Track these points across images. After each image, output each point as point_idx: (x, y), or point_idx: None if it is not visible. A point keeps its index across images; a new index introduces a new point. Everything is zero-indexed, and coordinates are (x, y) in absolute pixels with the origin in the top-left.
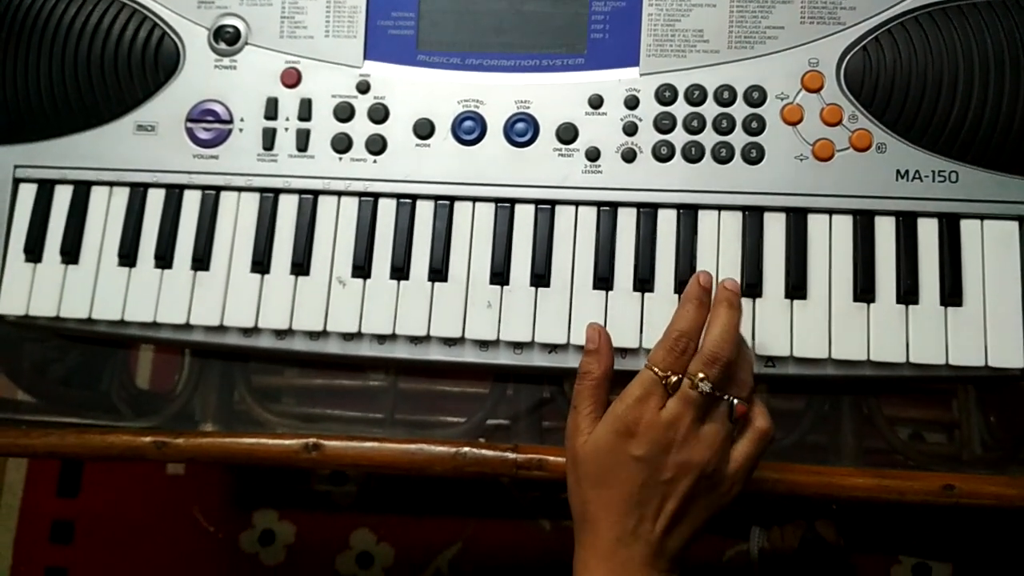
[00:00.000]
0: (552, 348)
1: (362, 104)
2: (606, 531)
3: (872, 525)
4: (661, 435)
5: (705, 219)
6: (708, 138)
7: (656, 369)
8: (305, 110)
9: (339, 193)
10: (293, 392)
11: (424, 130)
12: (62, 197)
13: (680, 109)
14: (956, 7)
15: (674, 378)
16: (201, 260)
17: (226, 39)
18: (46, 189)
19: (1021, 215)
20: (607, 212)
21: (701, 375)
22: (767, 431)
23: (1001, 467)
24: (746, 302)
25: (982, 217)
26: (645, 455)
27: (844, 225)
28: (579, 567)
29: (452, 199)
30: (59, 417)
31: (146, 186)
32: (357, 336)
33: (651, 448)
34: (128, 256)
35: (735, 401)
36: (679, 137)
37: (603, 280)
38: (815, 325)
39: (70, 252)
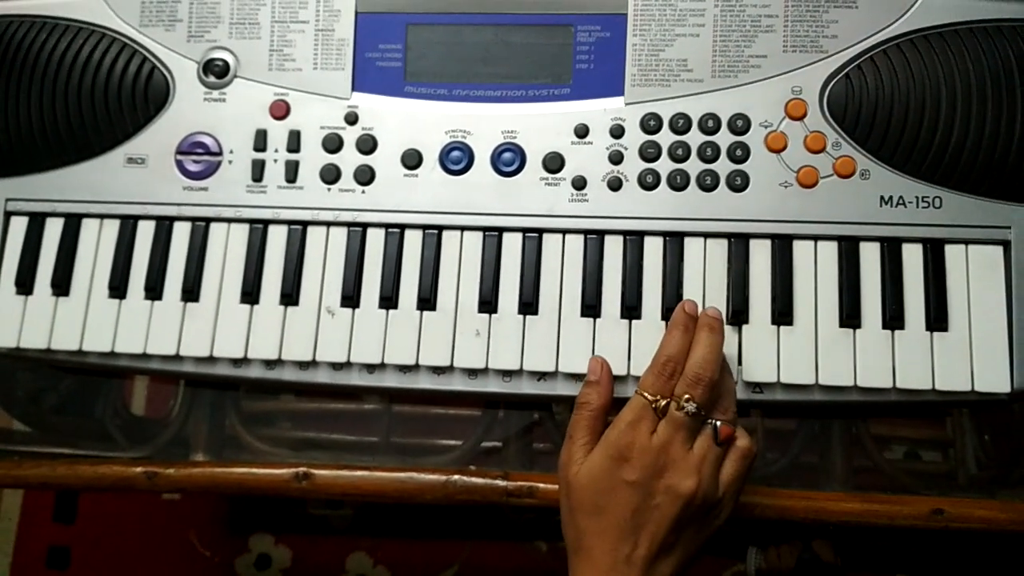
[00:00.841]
0: (541, 376)
1: (350, 135)
2: (600, 558)
3: (869, 544)
4: (653, 459)
5: (691, 246)
6: (693, 166)
7: (646, 394)
8: (294, 142)
9: (328, 223)
10: (287, 416)
11: (412, 160)
12: (53, 230)
13: (665, 138)
14: (938, 34)
15: (663, 402)
16: (191, 291)
17: (215, 72)
18: (37, 222)
19: (1005, 240)
20: (594, 240)
21: (686, 396)
22: (750, 450)
23: (995, 487)
24: (732, 328)
25: (967, 242)
26: (638, 479)
27: (829, 251)
28: None
29: (440, 228)
30: (53, 447)
31: (136, 218)
32: (346, 365)
33: (643, 472)
34: (118, 288)
35: (718, 423)
36: (664, 165)
37: (591, 307)
38: (802, 351)
39: (61, 284)
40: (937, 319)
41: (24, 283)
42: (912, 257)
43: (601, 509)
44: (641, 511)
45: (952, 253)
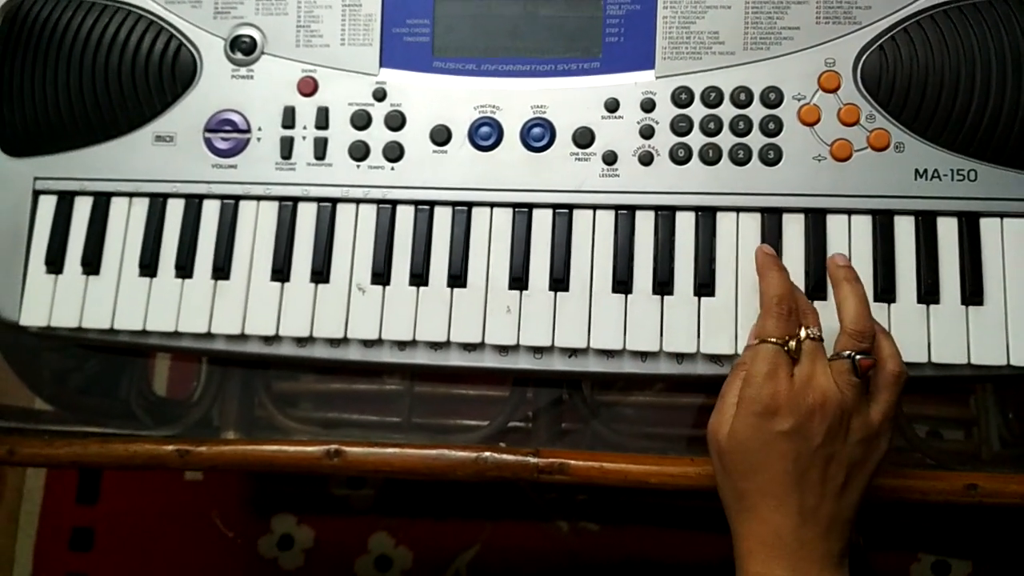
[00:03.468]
0: (572, 352)
1: (379, 112)
2: (769, 516)
3: (891, 523)
4: (802, 400)
5: (723, 221)
6: (725, 140)
7: (773, 339)
8: (322, 118)
9: (357, 201)
10: (310, 397)
11: (441, 136)
12: (82, 209)
13: (696, 111)
14: (972, 4)
15: (792, 342)
16: (221, 269)
17: (242, 49)
18: (66, 201)
19: None
20: (625, 216)
21: (805, 326)
22: (899, 373)
23: (1021, 464)
24: None
25: (1002, 215)
26: (792, 427)
27: (863, 225)
28: (745, 558)
29: (470, 205)
30: (80, 426)
31: (165, 196)
32: (377, 343)
33: (797, 418)
34: (149, 266)
35: (857, 357)
36: (696, 139)
37: (622, 284)
38: (836, 326)
39: (91, 263)
40: (972, 293)
41: (54, 262)
42: (947, 231)
43: (759, 467)
44: (804, 457)
45: (987, 226)
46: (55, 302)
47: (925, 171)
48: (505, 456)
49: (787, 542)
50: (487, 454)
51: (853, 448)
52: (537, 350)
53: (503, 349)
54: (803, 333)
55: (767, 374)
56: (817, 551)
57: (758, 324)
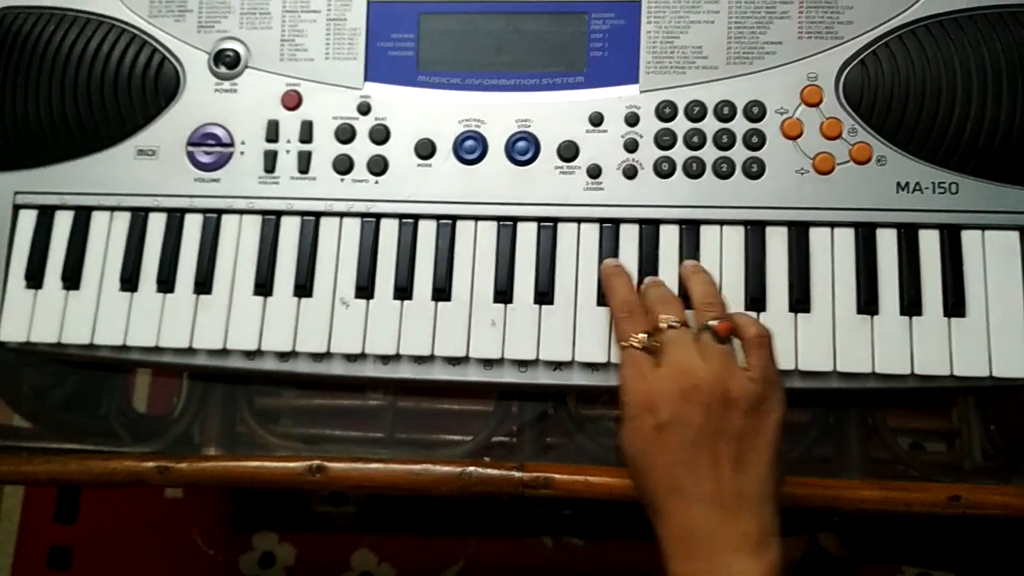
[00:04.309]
0: (557, 366)
1: (363, 125)
2: (675, 512)
3: (875, 536)
4: (671, 387)
5: (707, 234)
6: (709, 153)
7: (625, 342)
8: (306, 132)
9: (341, 214)
10: (293, 413)
11: (425, 150)
12: (63, 223)
13: (680, 125)
14: (953, 20)
15: (644, 335)
16: (203, 284)
17: (226, 63)
18: (47, 215)
19: (1022, 225)
20: (609, 229)
21: (661, 316)
22: (760, 334)
23: (1003, 476)
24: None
25: (983, 228)
26: (669, 416)
27: (846, 238)
28: (667, 563)
29: (454, 218)
30: (59, 443)
31: (147, 210)
32: (361, 357)
33: (670, 406)
34: (130, 281)
35: (713, 323)
36: (680, 153)
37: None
38: (819, 338)
39: (71, 278)
40: (955, 305)
41: (34, 277)
42: (929, 243)
43: (653, 467)
44: (686, 443)
45: (969, 239)
46: (35, 317)
47: (907, 184)
48: (489, 471)
49: (698, 534)
50: (471, 469)
51: (739, 419)
52: (522, 363)
53: (488, 363)
54: (663, 322)
55: (632, 376)
56: (730, 536)
57: (614, 332)
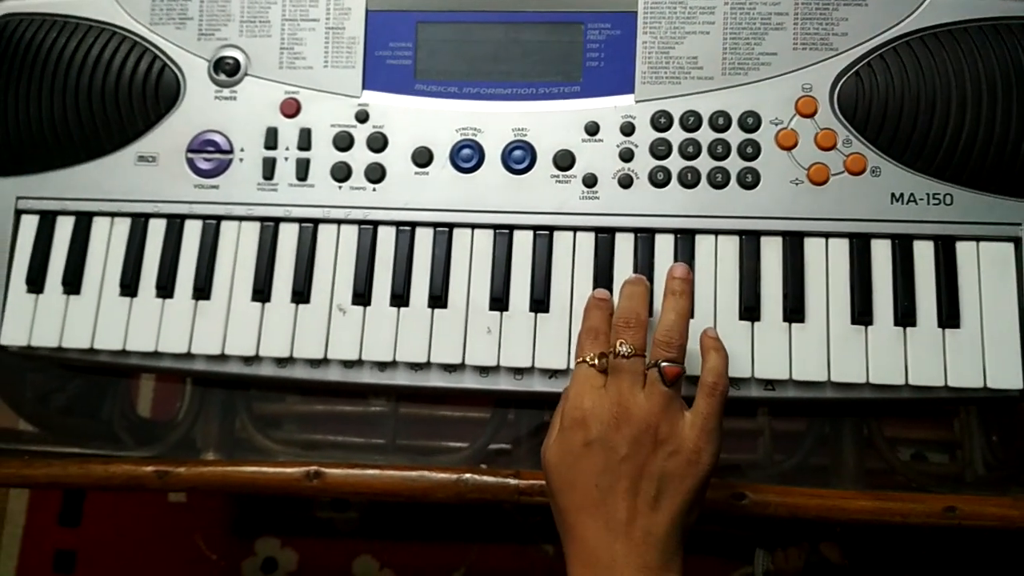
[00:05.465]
0: (552, 373)
1: (361, 133)
2: (583, 533)
3: (876, 546)
4: (606, 412)
5: (702, 244)
6: (704, 163)
7: (580, 359)
8: (305, 140)
9: (339, 221)
10: (294, 419)
11: (423, 158)
12: (64, 228)
13: (676, 135)
14: (947, 32)
15: (599, 357)
16: (202, 289)
17: (226, 70)
18: (48, 220)
19: (1016, 236)
20: (605, 238)
21: (620, 341)
22: (715, 384)
23: (1004, 487)
24: (745, 326)
25: (977, 239)
26: (596, 437)
27: (840, 248)
28: None
29: (451, 226)
30: (61, 447)
31: (147, 216)
32: (358, 363)
33: (600, 428)
34: (129, 286)
35: (663, 364)
36: (675, 163)
37: None
38: (814, 348)
39: (72, 283)
40: (949, 316)
41: (35, 281)
42: (923, 254)
43: (572, 483)
44: (608, 470)
45: (963, 250)
46: (35, 321)
47: (901, 195)
48: (486, 478)
49: (601, 559)
50: (468, 476)
51: (665, 460)
52: (517, 371)
53: (483, 370)
54: (618, 349)
55: (576, 390)
56: (630, 566)
57: (576, 350)
